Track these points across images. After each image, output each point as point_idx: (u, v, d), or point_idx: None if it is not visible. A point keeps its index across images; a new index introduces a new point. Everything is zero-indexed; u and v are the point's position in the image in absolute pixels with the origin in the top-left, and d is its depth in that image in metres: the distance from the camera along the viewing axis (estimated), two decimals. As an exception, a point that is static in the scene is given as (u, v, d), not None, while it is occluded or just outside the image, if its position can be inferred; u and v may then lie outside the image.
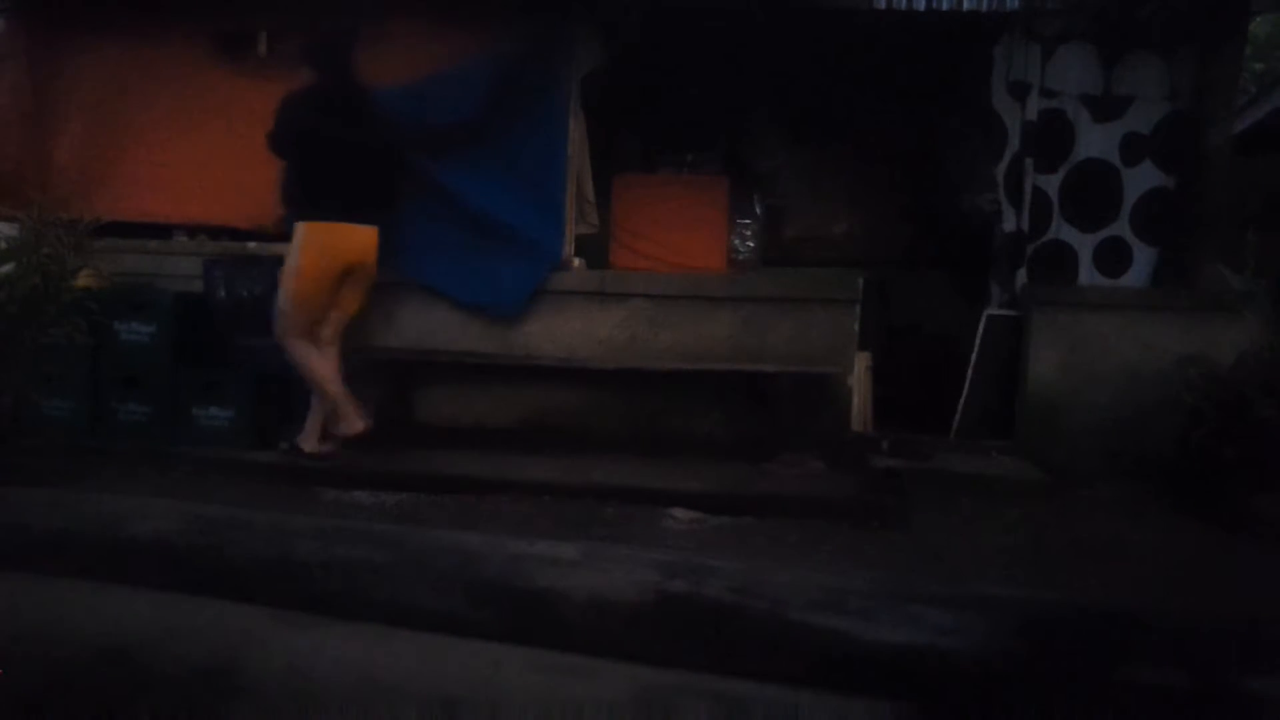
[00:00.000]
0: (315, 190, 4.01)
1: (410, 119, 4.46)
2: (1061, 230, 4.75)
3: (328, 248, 3.97)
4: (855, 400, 4.73)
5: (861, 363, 4.80)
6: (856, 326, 4.67)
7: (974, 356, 4.78)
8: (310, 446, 4.13)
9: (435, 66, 4.55)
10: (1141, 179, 4.70)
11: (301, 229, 3.96)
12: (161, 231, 5.07)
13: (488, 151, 4.60)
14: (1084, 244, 4.76)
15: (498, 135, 4.59)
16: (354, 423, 4.05)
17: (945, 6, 4.39)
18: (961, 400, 4.79)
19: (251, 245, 4.80)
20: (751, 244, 5.61)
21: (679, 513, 3.69)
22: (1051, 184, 4.72)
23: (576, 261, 4.86)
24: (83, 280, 4.16)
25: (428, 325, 4.78)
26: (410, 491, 3.88)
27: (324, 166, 3.99)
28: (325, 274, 3.98)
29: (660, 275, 4.87)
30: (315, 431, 4.14)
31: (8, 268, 4.00)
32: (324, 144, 3.99)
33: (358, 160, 4.04)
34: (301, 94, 4.04)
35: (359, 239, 4.04)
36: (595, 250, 5.07)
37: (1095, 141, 4.69)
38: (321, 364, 4.05)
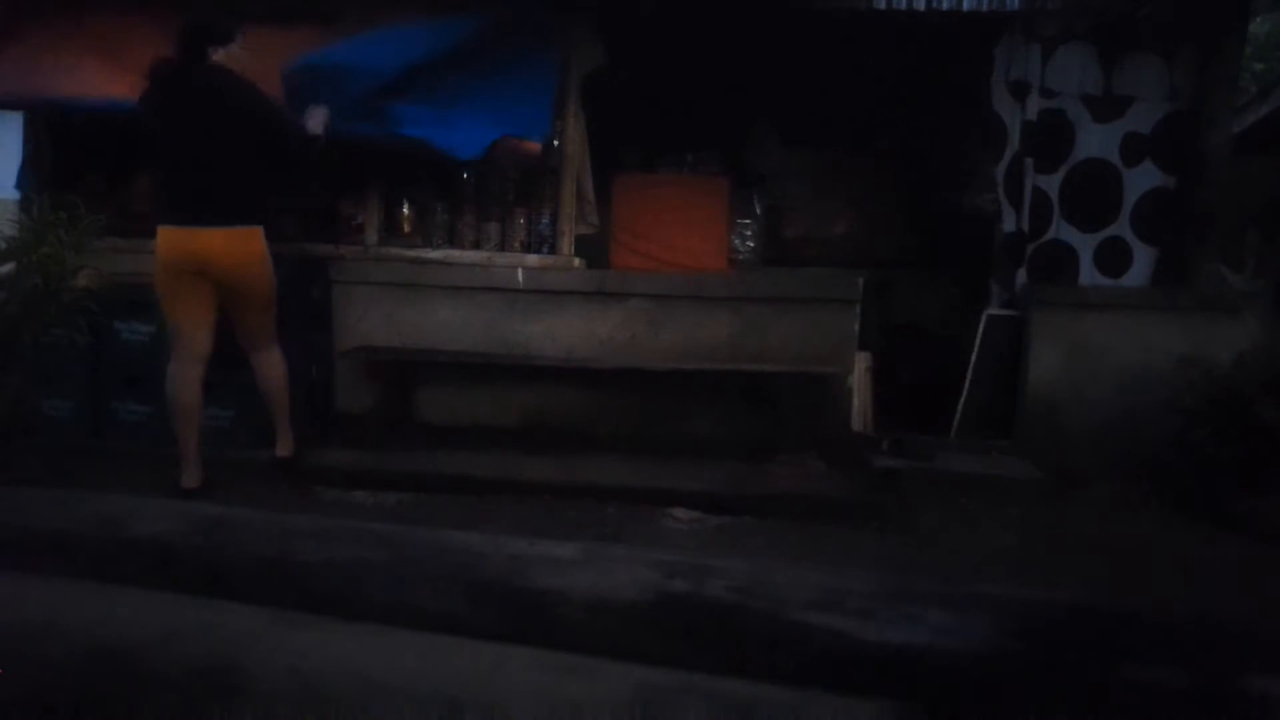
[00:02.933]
0: (163, 191, 3.76)
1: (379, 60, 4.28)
2: (1061, 230, 4.76)
3: (163, 255, 3.68)
4: (855, 400, 4.74)
5: (861, 363, 4.80)
6: (856, 326, 4.67)
7: (974, 356, 4.78)
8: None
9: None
10: (1141, 179, 4.70)
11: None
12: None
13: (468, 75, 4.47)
14: (1084, 244, 4.76)
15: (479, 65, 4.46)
16: (188, 475, 3.76)
17: (945, 6, 4.39)
18: (961, 400, 4.79)
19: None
20: (751, 244, 5.61)
21: (679, 513, 3.69)
22: (1051, 184, 4.72)
23: (576, 261, 4.86)
24: (83, 280, 4.16)
25: (428, 325, 4.78)
26: (410, 491, 3.88)
27: (172, 165, 3.71)
28: (170, 283, 3.70)
29: (660, 275, 4.86)
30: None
31: (8, 268, 4.00)
32: (172, 142, 3.69)
33: (214, 157, 3.64)
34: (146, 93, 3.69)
35: (199, 243, 3.62)
36: (595, 250, 5.07)
37: (1095, 141, 4.69)
38: (184, 393, 3.77)
